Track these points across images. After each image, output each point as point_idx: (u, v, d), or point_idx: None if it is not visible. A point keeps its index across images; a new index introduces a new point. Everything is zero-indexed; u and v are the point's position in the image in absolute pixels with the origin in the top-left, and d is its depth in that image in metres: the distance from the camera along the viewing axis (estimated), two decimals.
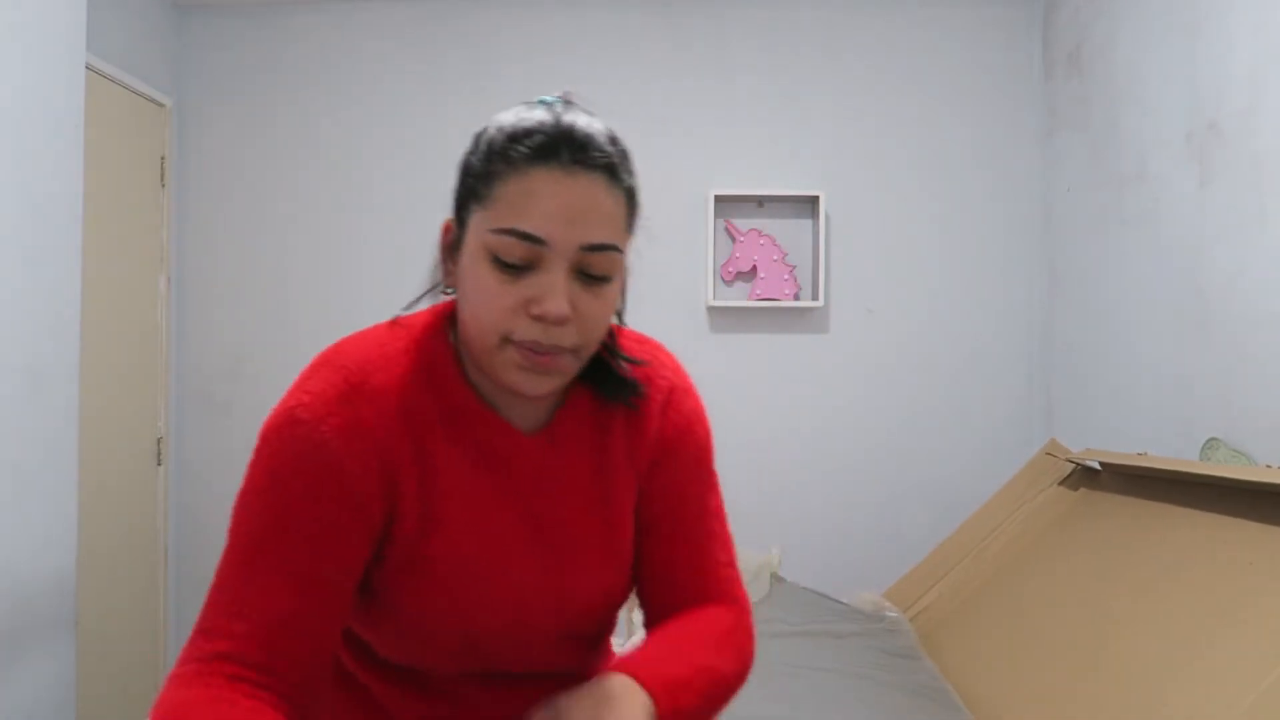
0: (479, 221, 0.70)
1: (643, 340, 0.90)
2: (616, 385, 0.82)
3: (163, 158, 2.74)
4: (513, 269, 0.69)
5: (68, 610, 1.81)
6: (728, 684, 0.80)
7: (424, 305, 0.81)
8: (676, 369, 0.91)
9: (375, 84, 2.79)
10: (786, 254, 2.71)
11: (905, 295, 2.76)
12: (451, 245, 0.76)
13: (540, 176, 0.68)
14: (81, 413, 1.87)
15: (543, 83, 2.76)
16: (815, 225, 2.71)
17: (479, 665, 0.80)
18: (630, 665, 0.74)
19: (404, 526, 0.74)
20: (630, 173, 0.76)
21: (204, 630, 0.70)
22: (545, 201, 0.68)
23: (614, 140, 0.74)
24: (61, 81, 1.79)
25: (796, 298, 2.70)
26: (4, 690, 1.63)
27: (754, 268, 2.71)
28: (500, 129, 0.72)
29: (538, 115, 0.72)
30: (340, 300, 2.76)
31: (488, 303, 0.70)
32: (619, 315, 0.83)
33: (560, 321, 0.69)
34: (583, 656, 0.87)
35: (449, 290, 0.78)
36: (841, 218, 2.75)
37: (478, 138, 0.74)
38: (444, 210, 0.78)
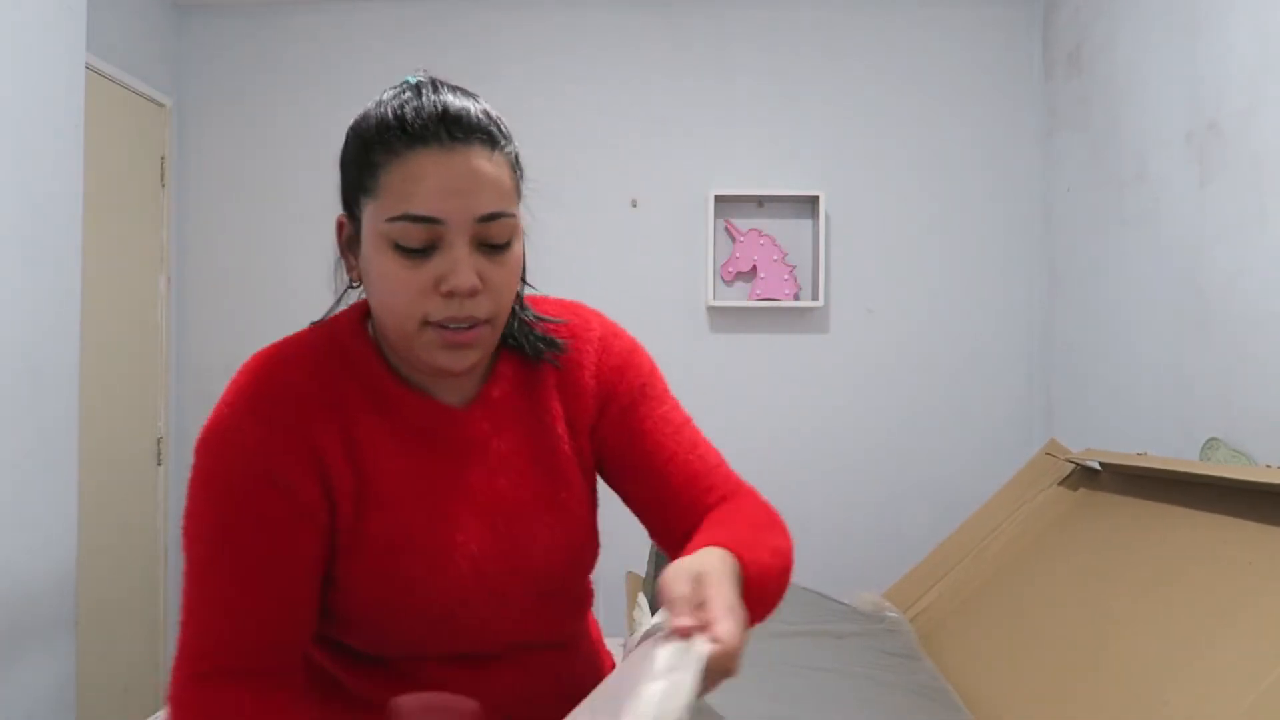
0: (371, 213, 0.72)
1: (563, 303, 0.91)
2: (538, 346, 0.84)
3: (163, 158, 2.74)
4: (415, 253, 0.70)
5: (68, 610, 1.81)
6: (787, 552, 0.80)
7: (341, 306, 0.86)
8: (601, 319, 0.91)
9: (375, 84, 2.76)
10: (786, 254, 2.71)
11: (905, 295, 2.76)
12: (348, 241, 0.78)
13: (421, 158, 0.69)
14: (81, 413, 1.87)
15: (543, 83, 2.77)
16: (815, 225, 2.71)
17: (454, 645, 0.80)
18: (703, 539, 0.72)
19: (342, 511, 0.75)
20: (508, 138, 0.75)
21: (185, 651, 0.73)
22: (432, 181, 0.69)
23: (486, 112, 0.74)
24: (61, 81, 1.79)
25: (796, 298, 2.70)
26: (4, 690, 1.63)
27: (754, 268, 2.71)
28: (372, 119, 0.73)
29: (407, 100, 0.72)
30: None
31: (397, 290, 0.71)
32: (524, 280, 0.83)
33: (471, 294, 0.71)
34: (560, 624, 0.87)
35: (355, 285, 0.80)
36: (841, 218, 2.75)
37: (353, 131, 0.76)
38: None
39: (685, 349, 2.75)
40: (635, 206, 2.75)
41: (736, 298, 2.74)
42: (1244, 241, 1.81)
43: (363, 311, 0.82)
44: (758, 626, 0.73)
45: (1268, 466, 1.58)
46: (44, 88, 1.74)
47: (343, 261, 0.80)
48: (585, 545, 0.86)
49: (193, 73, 2.82)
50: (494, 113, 0.75)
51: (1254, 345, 1.78)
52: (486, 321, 0.73)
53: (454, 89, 0.74)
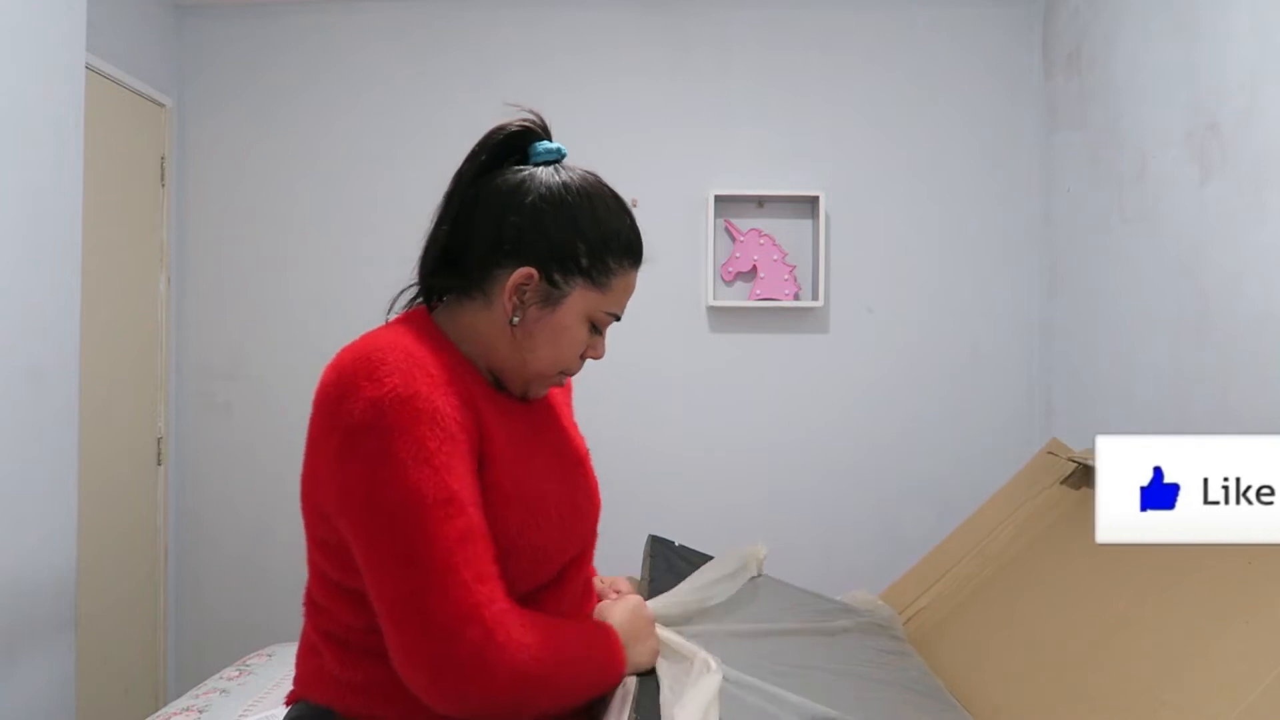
0: (589, 298, 0.95)
1: None
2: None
3: (163, 158, 2.74)
4: (597, 332, 0.99)
5: (68, 610, 1.81)
6: None
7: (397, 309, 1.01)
8: None
9: (375, 84, 2.79)
10: (786, 254, 2.72)
11: (905, 295, 2.76)
12: (528, 292, 0.92)
13: (634, 276, 1.01)
14: (81, 413, 1.87)
15: (543, 83, 2.77)
16: (815, 225, 2.71)
17: (553, 563, 0.95)
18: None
19: (478, 466, 0.89)
20: None
21: (482, 577, 0.81)
22: (630, 292, 1.01)
23: None
24: (61, 81, 1.79)
25: (796, 298, 2.70)
26: (4, 690, 1.63)
27: (754, 268, 2.71)
28: (613, 229, 0.98)
29: (633, 224, 1.03)
30: (340, 300, 2.75)
31: (570, 350, 0.96)
32: None
33: (598, 358, 1.01)
34: (593, 548, 1.10)
35: (512, 323, 0.93)
36: (841, 218, 2.75)
37: (578, 217, 0.95)
38: None
39: (685, 349, 2.75)
40: (635, 206, 2.74)
41: (736, 298, 2.74)
42: (1244, 241, 1.81)
43: (429, 319, 0.96)
44: (750, 626, 0.96)
45: None
46: (44, 88, 1.74)
47: (509, 303, 0.92)
48: (598, 489, 1.09)
49: (193, 73, 2.82)
50: None
51: (1254, 345, 1.78)
52: None
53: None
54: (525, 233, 0.91)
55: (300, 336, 2.75)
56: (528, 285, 0.92)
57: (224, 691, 1.79)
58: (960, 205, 2.76)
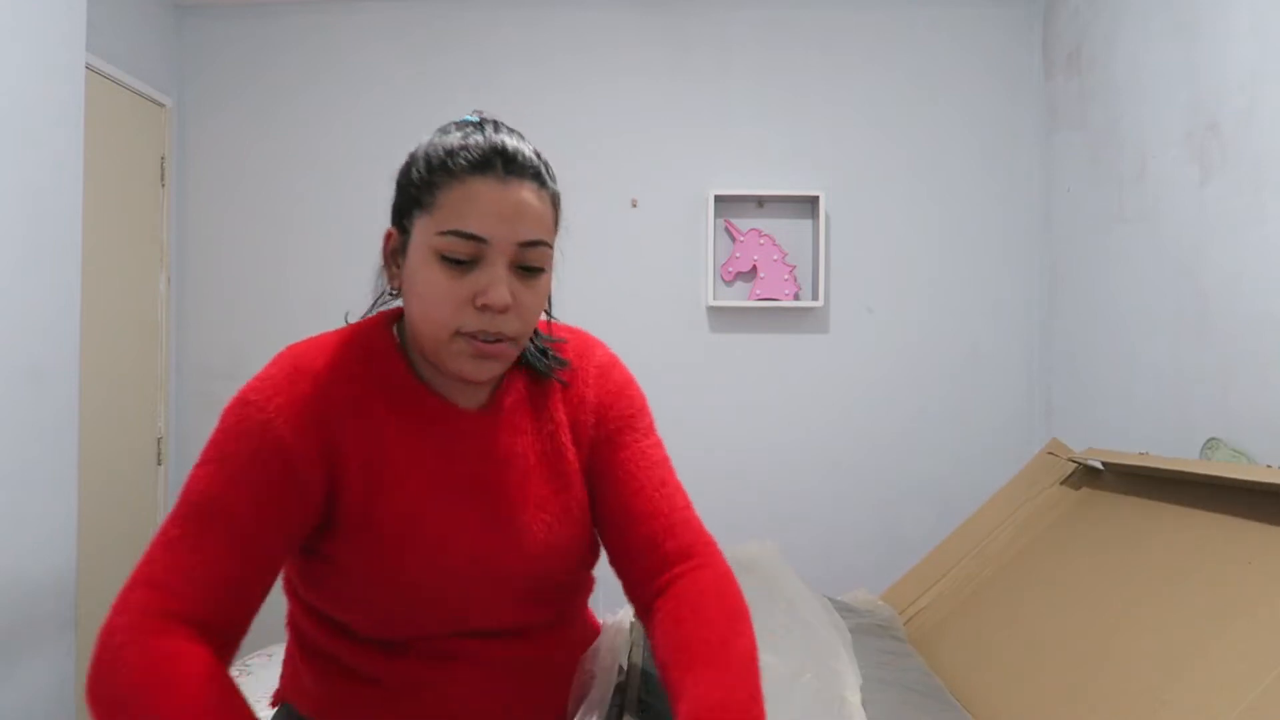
0: (424, 226, 0.80)
1: (571, 329, 1.00)
2: (547, 364, 0.93)
3: (163, 158, 2.74)
4: (458, 265, 0.79)
5: (68, 610, 1.81)
6: (755, 651, 0.80)
7: (371, 311, 0.93)
8: (605, 348, 1.00)
9: (375, 84, 2.79)
10: (786, 254, 2.72)
11: (905, 295, 2.76)
12: (394, 251, 0.86)
13: (478, 185, 0.79)
14: (81, 413, 1.87)
15: (543, 82, 2.77)
16: (815, 225, 2.71)
17: (448, 625, 0.86)
18: (697, 693, 0.73)
19: (351, 493, 0.81)
20: (554, 180, 0.86)
21: (150, 583, 0.76)
22: (484, 205, 0.79)
23: (538, 154, 0.84)
24: (61, 81, 1.79)
25: (796, 298, 2.70)
26: (4, 690, 1.63)
27: (754, 268, 2.71)
28: (439, 146, 0.82)
29: (470, 134, 0.82)
30: (340, 300, 2.75)
31: (438, 299, 0.79)
32: (548, 309, 0.93)
33: (503, 309, 0.80)
34: (554, 608, 0.93)
35: (394, 292, 0.88)
36: (841, 218, 2.75)
37: (416, 155, 0.84)
38: None
39: (685, 349, 2.75)
40: (635, 206, 2.75)
41: (736, 298, 2.74)
42: (1244, 241, 1.81)
43: (392, 316, 0.91)
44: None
45: (1269, 467, 1.58)
46: (44, 88, 1.74)
47: (385, 270, 0.88)
48: (582, 542, 0.92)
49: (193, 73, 2.82)
50: (543, 155, 0.85)
51: (1254, 345, 1.78)
52: (512, 339, 0.82)
53: (510, 130, 0.84)
54: (394, 197, 0.86)
55: (300, 337, 2.74)
56: (394, 245, 0.86)
57: None
58: (960, 205, 2.76)
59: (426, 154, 0.82)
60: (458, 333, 0.80)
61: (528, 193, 0.81)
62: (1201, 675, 1.24)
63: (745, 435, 2.77)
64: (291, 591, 0.92)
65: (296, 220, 2.79)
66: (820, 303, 2.68)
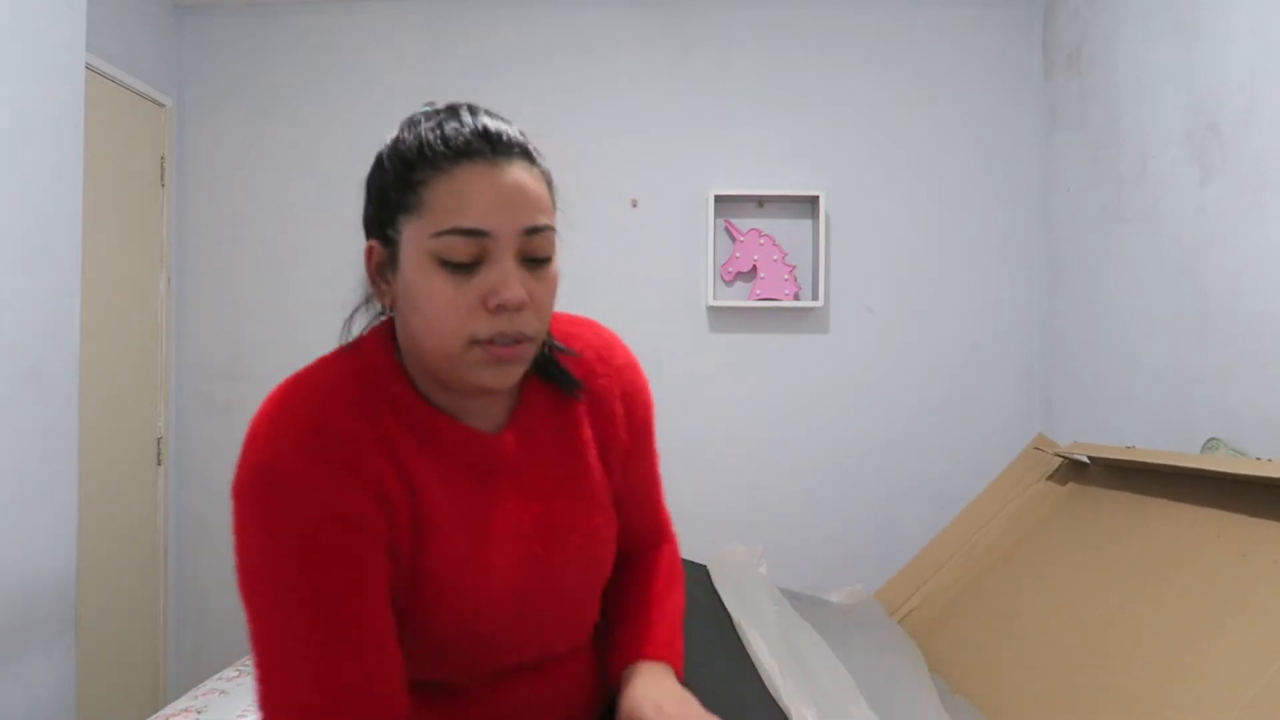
0: (415, 231, 0.71)
1: (581, 320, 0.91)
2: (570, 380, 0.85)
3: (163, 158, 2.74)
4: (462, 268, 0.70)
5: (68, 610, 1.81)
6: (682, 605, 0.95)
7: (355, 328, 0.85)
8: (622, 348, 0.92)
9: (375, 84, 2.79)
10: (786, 254, 2.71)
11: (905, 295, 2.76)
12: (380, 265, 0.76)
13: (467, 172, 0.69)
14: (81, 413, 1.87)
15: (543, 82, 2.77)
16: (815, 225, 2.71)
17: (497, 663, 0.80)
18: (649, 649, 0.85)
19: (401, 545, 0.73)
20: (542, 157, 0.76)
21: (297, 710, 0.67)
22: (478, 195, 0.69)
23: (521, 131, 0.75)
24: (61, 81, 1.79)
25: (796, 298, 2.70)
26: (4, 690, 1.63)
27: (754, 268, 2.71)
28: (410, 141, 0.72)
29: (444, 120, 0.72)
30: (340, 300, 2.75)
31: (444, 309, 0.70)
32: None
33: (519, 307, 0.70)
34: (586, 631, 0.89)
35: (387, 312, 0.79)
36: (841, 218, 2.75)
37: (384, 155, 0.75)
38: None
39: (685, 349, 2.75)
40: (635, 206, 2.75)
41: (736, 298, 2.74)
42: (1244, 241, 1.81)
43: (387, 336, 0.80)
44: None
45: (1257, 459, 1.58)
46: (44, 88, 1.74)
47: (373, 288, 0.78)
48: (610, 561, 0.88)
49: (193, 73, 2.82)
50: (526, 133, 0.76)
51: (1253, 345, 1.78)
52: (531, 338, 0.73)
53: (486, 111, 0.74)
54: (364, 208, 0.78)
55: (300, 336, 2.75)
56: (380, 260, 0.76)
57: (224, 692, 1.79)
58: (960, 205, 2.76)
59: (398, 151, 0.72)
60: (472, 341, 0.70)
61: (521, 172, 0.71)
62: (1200, 671, 1.23)
63: (745, 435, 2.77)
64: None
65: (296, 220, 2.79)
66: (820, 303, 2.68)
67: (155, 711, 2.24)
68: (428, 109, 0.75)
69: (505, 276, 0.70)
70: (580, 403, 0.85)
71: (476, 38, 2.77)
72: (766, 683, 1.07)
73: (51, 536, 1.76)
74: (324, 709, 0.66)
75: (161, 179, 2.74)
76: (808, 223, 2.75)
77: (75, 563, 1.83)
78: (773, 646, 1.16)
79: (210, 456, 2.78)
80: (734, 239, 2.72)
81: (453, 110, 0.73)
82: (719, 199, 2.69)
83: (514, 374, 0.74)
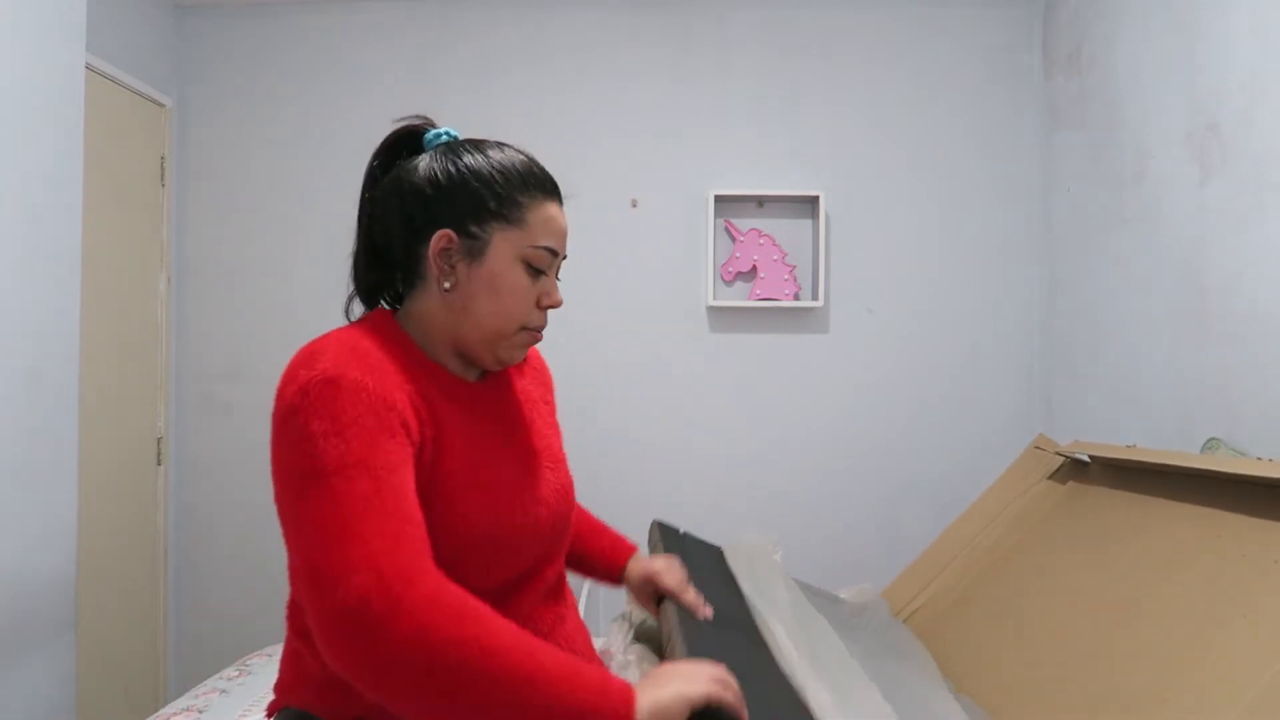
0: (511, 237, 0.93)
1: None
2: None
3: (163, 158, 2.74)
4: (537, 273, 0.96)
5: (68, 610, 1.81)
6: None
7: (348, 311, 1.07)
8: None
9: (374, 84, 2.79)
10: (786, 254, 2.72)
11: (905, 295, 2.76)
12: (447, 252, 0.94)
13: (554, 208, 0.97)
14: (81, 413, 1.87)
15: (543, 82, 2.77)
16: (815, 225, 2.71)
17: (510, 562, 0.94)
18: (627, 546, 1.25)
19: (423, 454, 0.87)
20: None
21: (384, 534, 0.73)
22: (558, 227, 0.97)
23: None
24: (61, 81, 1.79)
25: (796, 298, 2.70)
26: (4, 690, 1.63)
27: (754, 268, 2.71)
28: (511, 166, 0.95)
29: (531, 160, 0.97)
30: (340, 300, 2.75)
31: (519, 298, 0.95)
32: None
33: (557, 307, 0.97)
34: (569, 542, 1.10)
35: (447, 288, 0.94)
36: (841, 218, 2.75)
37: (480, 170, 0.94)
38: None
39: (685, 349, 2.75)
40: (635, 206, 2.75)
41: (736, 298, 2.74)
42: (1244, 241, 1.81)
43: (389, 316, 0.99)
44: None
45: (1257, 459, 1.58)
46: (44, 88, 1.74)
47: (435, 268, 0.94)
48: (572, 486, 1.10)
49: (193, 73, 2.82)
50: None
51: (1254, 345, 1.78)
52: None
53: None
54: (431, 202, 0.93)
55: (300, 336, 2.73)
56: (449, 247, 0.93)
57: (224, 691, 1.79)
58: (960, 205, 2.76)
59: (502, 171, 0.93)
60: (523, 327, 0.96)
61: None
62: (1200, 671, 1.23)
63: (745, 435, 2.77)
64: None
65: (296, 220, 2.79)
66: (820, 303, 2.68)
67: (155, 711, 2.24)
68: (500, 143, 0.98)
69: (555, 286, 0.98)
70: (519, 368, 1.12)
71: (476, 38, 2.78)
72: (780, 660, 1.09)
73: (51, 536, 1.76)
74: (402, 557, 0.73)
75: (161, 179, 2.74)
76: (808, 223, 2.75)
77: (75, 563, 1.83)
78: (788, 628, 1.17)
79: (210, 456, 2.78)
80: (734, 239, 2.72)
81: (521, 151, 0.98)
82: (719, 199, 2.69)
83: (525, 353, 1.02)
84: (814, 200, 2.69)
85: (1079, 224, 2.51)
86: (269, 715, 1.00)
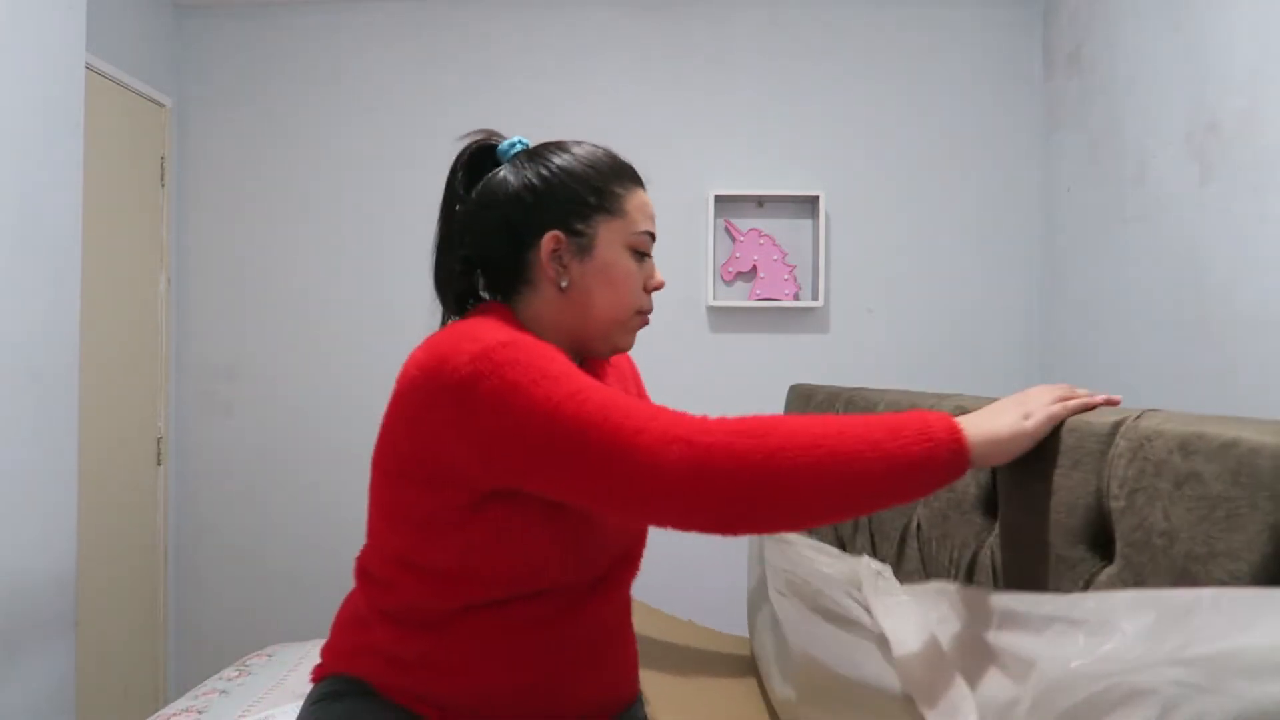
0: (616, 228, 0.98)
1: None
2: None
3: (163, 158, 2.74)
4: (643, 257, 1.00)
5: (68, 610, 1.81)
6: None
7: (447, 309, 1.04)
8: None
9: (375, 84, 2.79)
10: (786, 254, 2.72)
11: (905, 295, 2.76)
12: (557, 252, 0.96)
13: (643, 195, 1.01)
14: (81, 413, 1.87)
15: (543, 83, 2.77)
16: (815, 225, 2.71)
17: (602, 563, 0.98)
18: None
19: None
20: None
21: (644, 410, 0.80)
22: (649, 211, 1.01)
23: None
24: (61, 81, 1.79)
25: (796, 298, 2.70)
26: (4, 690, 1.63)
27: (754, 267, 2.71)
28: (601, 162, 0.99)
29: (610, 152, 1.02)
30: (340, 300, 2.76)
31: (630, 284, 0.99)
32: None
33: (661, 289, 1.03)
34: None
35: (562, 285, 0.97)
36: (841, 218, 2.75)
37: (575, 170, 0.97)
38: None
39: (685, 349, 2.75)
40: None
41: (736, 298, 2.74)
42: (1244, 241, 1.81)
43: (509, 312, 0.99)
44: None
45: None
46: (44, 88, 1.74)
47: (546, 269, 0.96)
48: None
49: (193, 73, 2.82)
50: None
51: (1253, 345, 1.78)
52: None
53: None
54: (531, 209, 0.96)
55: (300, 336, 2.75)
56: (559, 247, 0.96)
57: (224, 692, 1.79)
58: (960, 205, 2.76)
59: (593, 166, 0.98)
60: (637, 311, 1.00)
61: None
62: None
63: None
64: (390, 554, 0.93)
65: (296, 220, 2.79)
66: (820, 303, 2.68)
67: (155, 711, 2.24)
68: (576, 140, 1.02)
69: (655, 268, 1.02)
70: (602, 370, 1.14)
71: (476, 38, 2.77)
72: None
73: (51, 536, 1.76)
74: (682, 419, 0.79)
75: (161, 179, 2.74)
76: (808, 223, 2.75)
77: (75, 562, 1.83)
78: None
79: (210, 456, 2.78)
80: (734, 239, 2.72)
81: (587, 143, 1.02)
82: (719, 199, 2.69)
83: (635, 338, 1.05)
84: (814, 200, 2.69)
85: (1079, 224, 2.51)
86: (315, 679, 1.00)
